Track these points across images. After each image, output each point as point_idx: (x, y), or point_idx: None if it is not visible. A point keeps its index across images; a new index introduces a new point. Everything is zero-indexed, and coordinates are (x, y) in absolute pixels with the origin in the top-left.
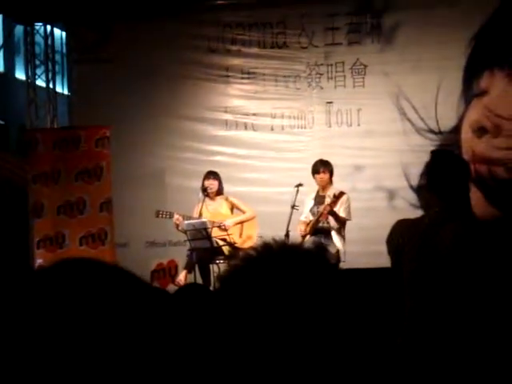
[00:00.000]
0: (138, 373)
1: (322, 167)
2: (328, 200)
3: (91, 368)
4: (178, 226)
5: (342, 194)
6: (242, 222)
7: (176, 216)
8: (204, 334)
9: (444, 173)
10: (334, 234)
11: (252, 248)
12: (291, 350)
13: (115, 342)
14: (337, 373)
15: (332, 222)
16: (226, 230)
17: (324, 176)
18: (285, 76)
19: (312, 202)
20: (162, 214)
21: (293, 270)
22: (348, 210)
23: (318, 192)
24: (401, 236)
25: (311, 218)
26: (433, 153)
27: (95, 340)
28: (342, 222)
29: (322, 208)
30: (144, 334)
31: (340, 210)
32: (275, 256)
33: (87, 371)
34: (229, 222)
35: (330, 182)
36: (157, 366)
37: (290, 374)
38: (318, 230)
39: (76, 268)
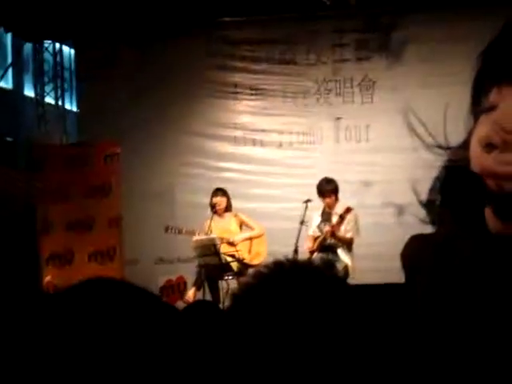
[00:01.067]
0: None
1: (327, 189)
2: (335, 218)
3: None
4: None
5: (348, 211)
6: (250, 239)
7: (188, 232)
8: (217, 352)
9: (458, 188)
10: (340, 250)
11: (263, 265)
12: (305, 367)
13: (134, 360)
14: None
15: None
16: (234, 245)
17: (328, 200)
18: (293, 92)
19: (319, 219)
20: (171, 230)
21: (305, 287)
22: (355, 227)
23: (324, 208)
24: (415, 251)
25: (318, 233)
26: (446, 169)
27: (114, 359)
28: (346, 243)
29: (327, 227)
30: (160, 353)
31: (346, 229)
32: (287, 274)
33: None
34: (237, 237)
35: (336, 199)
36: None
37: None
38: (325, 246)
39: (95, 289)
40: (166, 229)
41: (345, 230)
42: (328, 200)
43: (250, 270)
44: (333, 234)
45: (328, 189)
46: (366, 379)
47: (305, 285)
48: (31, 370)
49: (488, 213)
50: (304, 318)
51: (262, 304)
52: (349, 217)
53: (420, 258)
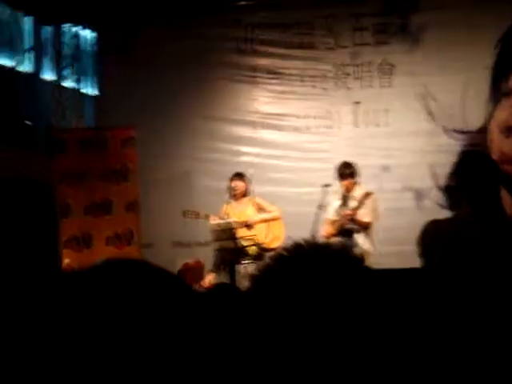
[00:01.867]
0: (172, 370)
1: (347, 172)
2: (353, 201)
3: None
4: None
5: (367, 195)
6: (267, 221)
7: (211, 216)
8: (237, 334)
9: (473, 173)
10: (359, 235)
11: (283, 248)
12: (323, 348)
13: (154, 340)
14: (369, 369)
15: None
16: (251, 228)
17: (349, 182)
18: (311, 76)
19: (338, 203)
20: (189, 214)
21: (325, 269)
22: (374, 211)
23: (343, 193)
24: (431, 236)
25: (337, 218)
26: (462, 153)
27: (132, 340)
28: (364, 227)
29: (346, 211)
30: (181, 333)
31: (365, 212)
32: (307, 256)
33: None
34: (254, 219)
35: (355, 183)
36: (194, 363)
37: (323, 370)
38: (343, 231)
39: (121, 269)
40: (184, 213)
41: (363, 214)
42: (346, 183)
43: (268, 254)
44: (351, 217)
45: (347, 172)
46: (382, 361)
47: (325, 267)
48: (50, 350)
49: (506, 198)
50: (324, 299)
51: (281, 286)
52: (368, 200)
53: (434, 244)
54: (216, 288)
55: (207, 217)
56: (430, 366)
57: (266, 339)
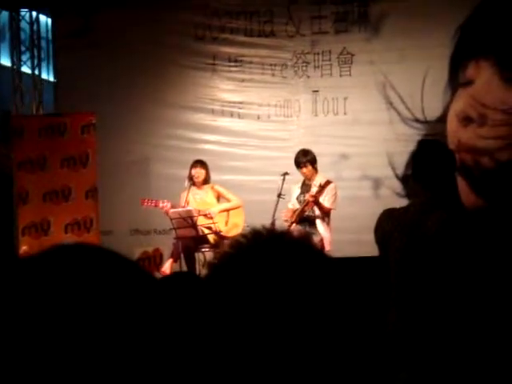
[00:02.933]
0: (130, 358)
1: (304, 160)
2: (314, 189)
3: (89, 358)
4: (167, 212)
5: (328, 183)
6: (227, 210)
7: (165, 204)
8: (195, 322)
9: (429, 162)
10: (318, 222)
11: (241, 235)
12: (284, 337)
13: (112, 327)
14: (331, 359)
15: (317, 211)
16: (211, 218)
17: (307, 169)
18: (271, 64)
19: (298, 191)
20: (147, 203)
21: (283, 257)
22: (334, 199)
23: (304, 181)
24: (387, 225)
25: (298, 206)
26: (419, 142)
27: (91, 328)
28: (326, 212)
29: (307, 197)
30: (140, 319)
31: (325, 199)
32: (265, 243)
33: (85, 361)
34: (214, 209)
35: (315, 171)
36: (150, 354)
37: (283, 362)
38: (303, 218)
39: (72, 253)
40: (142, 202)
41: (325, 201)
42: (305, 170)
43: (227, 242)
44: (315, 200)
45: (304, 160)
46: (341, 350)
47: (282, 254)
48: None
49: (462, 186)
50: (281, 286)
51: (239, 273)
52: (329, 187)
53: (390, 233)
54: (173, 276)
55: (169, 203)
56: (386, 356)
57: (223, 326)
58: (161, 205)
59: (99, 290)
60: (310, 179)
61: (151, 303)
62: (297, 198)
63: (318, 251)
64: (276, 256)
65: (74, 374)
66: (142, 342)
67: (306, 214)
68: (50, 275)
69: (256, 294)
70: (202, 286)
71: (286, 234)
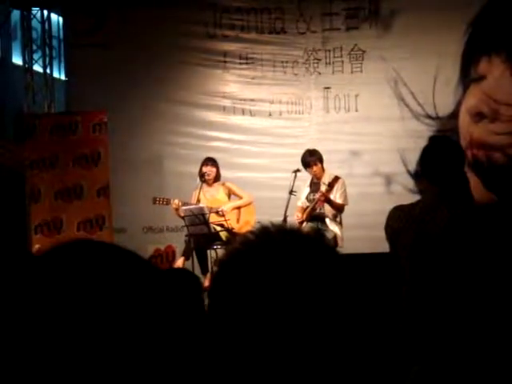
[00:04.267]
0: (137, 353)
1: (312, 160)
2: (323, 187)
3: (96, 353)
4: (177, 210)
5: (336, 179)
6: (239, 207)
7: (175, 201)
8: (205, 318)
9: (438, 158)
10: (330, 220)
11: (250, 232)
12: (291, 333)
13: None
14: (342, 352)
15: (328, 208)
16: (223, 215)
17: (315, 168)
18: (283, 62)
19: (308, 190)
20: (159, 201)
21: (292, 253)
22: (344, 194)
23: (312, 179)
24: (396, 222)
25: (307, 204)
26: (430, 138)
27: (97, 322)
28: (338, 209)
29: (317, 195)
30: (145, 315)
31: (336, 195)
32: (274, 240)
33: (92, 355)
34: (226, 207)
35: (323, 169)
36: (157, 347)
37: (295, 356)
38: (314, 216)
39: (82, 249)
40: (154, 200)
41: (335, 198)
42: (315, 168)
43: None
44: (325, 198)
45: (312, 159)
46: (352, 344)
47: (292, 251)
48: (15, 332)
49: (474, 182)
50: (290, 282)
51: (248, 269)
52: (338, 183)
53: (399, 229)
54: (171, 272)
55: (180, 202)
56: (398, 351)
57: (232, 323)
58: (175, 202)
59: (107, 285)
60: (318, 178)
61: (158, 299)
62: (306, 197)
63: (327, 247)
64: (284, 252)
65: (80, 365)
66: (148, 337)
67: (317, 211)
68: (60, 271)
69: (264, 289)
70: (195, 283)
71: (295, 231)
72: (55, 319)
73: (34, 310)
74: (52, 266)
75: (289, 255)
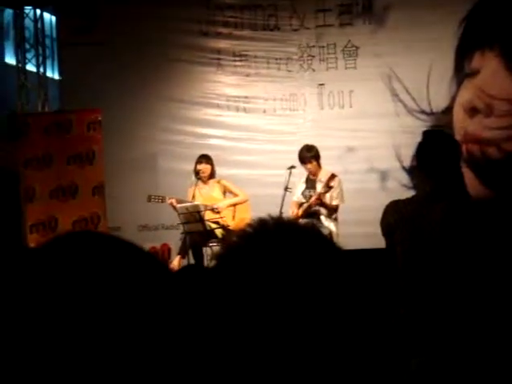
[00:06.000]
0: (138, 348)
1: (309, 155)
2: (319, 184)
3: (95, 348)
4: (174, 207)
5: (332, 177)
6: (234, 205)
7: (171, 199)
8: (203, 313)
9: (433, 152)
10: (325, 217)
11: (248, 225)
12: (290, 326)
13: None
14: (342, 348)
15: (322, 208)
16: (218, 212)
17: (312, 165)
18: (276, 58)
19: (303, 186)
20: (154, 199)
21: (290, 245)
22: (341, 193)
23: (308, 176)
24: (392, 217)
25: (303, 200)
26: (424, 133)
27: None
28: (332, 210)
29: (313, 199)
30: (149, 310)
31: (333, 195)
32: (272, 232)
33: (91, 350)
34: (221, 204)
35: (319, 166)
36: (157, 343)
37: (294, 352)
38: (309, 213)
39: (83, 239)
40: (149, 198)
41: (330, 197)
42: (310, 166)
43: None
44: (320, 201)
45: (308, 155)
46: (351, 339)
47: (290, 243)
48: (12, 327)
49: (469, 177)
50: (289, 275)
51: (246, 262)
52: (334, 182)
53: (395, 225)
54: (183, 269)
55: (175, 199)
56: (397, 347)
57: (231, 316)
58: (167, 200)
59: (108, 278)
60: (314, 174)
61: (160, 292)
62: (302, 193)
63: (325, 239)
64: (283, 245)
65: (79, 363)
66: (148, 333)
67: (312, 208)
68: (59, 262)
69: (264, 283)
70: (209, 277)
71: (292, 223)
72: (54, 312)
73: (32, 304)
74: (52, 256)
75: (287, 248)
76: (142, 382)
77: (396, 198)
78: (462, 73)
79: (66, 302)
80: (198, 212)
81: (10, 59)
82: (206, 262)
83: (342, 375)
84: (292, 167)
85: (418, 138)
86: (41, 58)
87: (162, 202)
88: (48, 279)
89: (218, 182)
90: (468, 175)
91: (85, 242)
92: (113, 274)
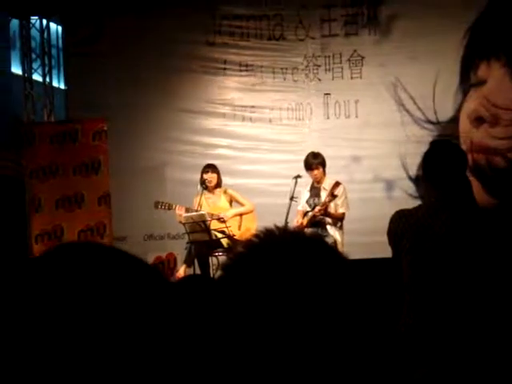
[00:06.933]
0: (138, 359)
1: (315, 163)
2: (323, 193)
3: (93, 356)
4: (180, 219)
5: (336, 185)
6: (240, 215)
7: (178, 207)
8: (208, 323)
9: (440, 162)
10: (330, 225)
11: (254, 235)
12: (297, 335)
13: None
14: (345, 358)
15: (327, 218)
16: (224, 222)
17: (318, 171)
18: (282, 68)
19: (308, 194)
20: (162, 206)
21: (296, 256)
22: (346, 201)
23: (312, 183)
24: (399, 226)
25: (308, 208)
26: (431, 143)
27: (95, 325)
28: (338, 219)
29: (317, 209)
30: (149, 321)
31: (338, 203)
32: (278, 242)
33: (89, 359)
34: (227, 213)
35: (324, 174)
36: (160, 353)
37: (297, 362)
38: (315, 222)
39: (79, 251)
40: (156, 205)
41: (335, 206)
42: (316, 172)
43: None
44: (325, 211)
45: (315, 162)
46: (356, 349)
47: (296, 252)
48: (14, 333)
49: (476, 186)
50: (296, 285)
51: (252, 272)
52: (338, 191)
53: (401, 234)
54: (187, 279)
55: (183, 208)
56: (401, 354)
57: (237, 326)
58: (175, 208)
59: (107, 288)
60: (318, 182)
61: (160, 302)
62: (306, 202)
63: (332, 249)
64: (288, 255)
65: (76, 369)
66: (147, 341)
67: (318, 218)
68: (58, 272)
69: (270, 293)
70: (215, 287)
71: (298, 234)
72: (55, 319)
73: (33, 310)
74: (54, 265)
75: (293, 258)
76: None
77: (401, 208)
78: (467, 83)
79: (60, 312)
80: (204, 221)
81: (17, 69)
82: (211, 272)
83: (345, 380)
84: (298, 176)
85: (424, 148)
86: (47, 68)
87: (169, 209)
88: (41, 290)
89: (225, 191)
90: (475, 184)
91: (82, 254)
92: (109, 285)
